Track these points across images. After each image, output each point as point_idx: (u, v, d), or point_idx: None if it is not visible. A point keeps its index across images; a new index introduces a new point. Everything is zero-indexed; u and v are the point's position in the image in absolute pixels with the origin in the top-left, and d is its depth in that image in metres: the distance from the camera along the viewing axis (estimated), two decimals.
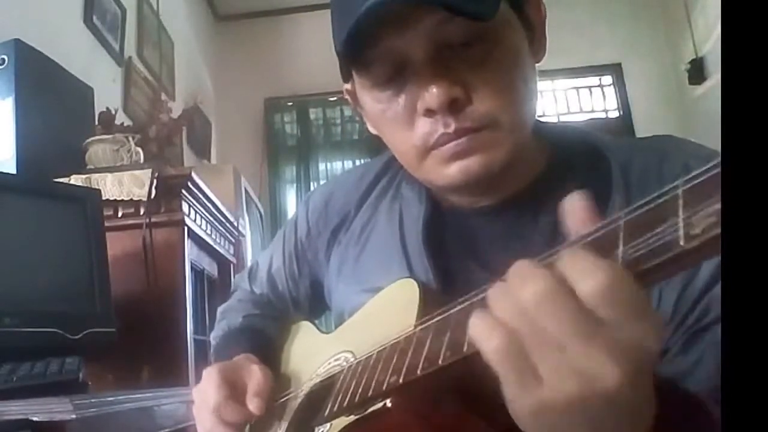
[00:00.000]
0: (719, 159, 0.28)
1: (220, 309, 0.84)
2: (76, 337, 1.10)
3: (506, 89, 0.54)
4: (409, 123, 0.55)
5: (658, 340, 0.32)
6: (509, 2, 0.54)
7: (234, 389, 0.60)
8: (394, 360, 0.45)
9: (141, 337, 1.33)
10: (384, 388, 0.44)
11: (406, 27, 0.51)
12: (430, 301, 0.49)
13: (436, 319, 0.43)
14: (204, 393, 0.61)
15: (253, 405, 0.59)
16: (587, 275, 0.31)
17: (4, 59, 1.40)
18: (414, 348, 0.43)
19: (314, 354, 0.65)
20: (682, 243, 0.28)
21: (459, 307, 0.41)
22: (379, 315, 0.57)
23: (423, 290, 0.52)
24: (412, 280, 0.54)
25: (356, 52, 0.53)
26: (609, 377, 0.31)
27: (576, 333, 0.31)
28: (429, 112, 0.53)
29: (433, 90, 0.51)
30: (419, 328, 0.45)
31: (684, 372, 0.49)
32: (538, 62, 0.59)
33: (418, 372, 0.41)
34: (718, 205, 0.27)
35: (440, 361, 0.40)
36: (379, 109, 0.58)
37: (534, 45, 0.58)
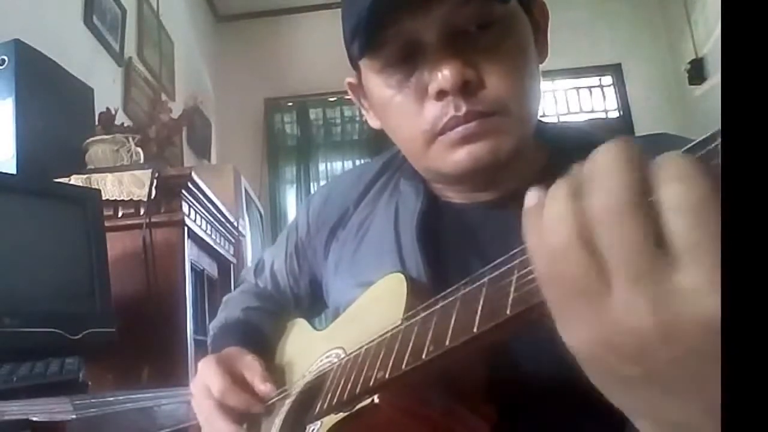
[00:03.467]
0: (693, 143, 0.27)
1: (224, 298, 0.86)
2: (76, 337, 1.10)
3: (517, 78, 0.54)
4: (418, 107, 0.55)
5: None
6: (518, 0, 0.56)
7: (234, 376, 0.61)
8: (381, 356, 0.45)
9: (141, 337, 1.33)
10: (371, 384, 0.45)
11: (420, 10, 0.51)
12: (418, 295, 0.49)
13: (422, 315, 0.44)
14: (205, 381, 0.61)
15: (265, 388, 0.60)
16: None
17: (4, 59, 1.40)
18: (399, 343, 0.44)
19: (307, 352, 0.66)
20: None
21: (443, 303, 0.42)
22: (368, 310, 0.58)
23: (411, 284, 0.52)
24: (400, 275, 0.54)
25: (370, 33, 0.53)
26: (705, 302, 0.23)
27: (677, 231, 0.24)
28: (441, 94, 0.53)
29: (446, 71, 0.51)
30: (405, 323, 0.45)
31: None
32: (541, 63, 0.60)
33: (404, 367, 0.41)
34: None
35: (424, 356, 0.40)
36: (387, 95, 0.57)
37: (538, 46, 0.59)
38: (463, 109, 0.52)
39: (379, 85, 0.58)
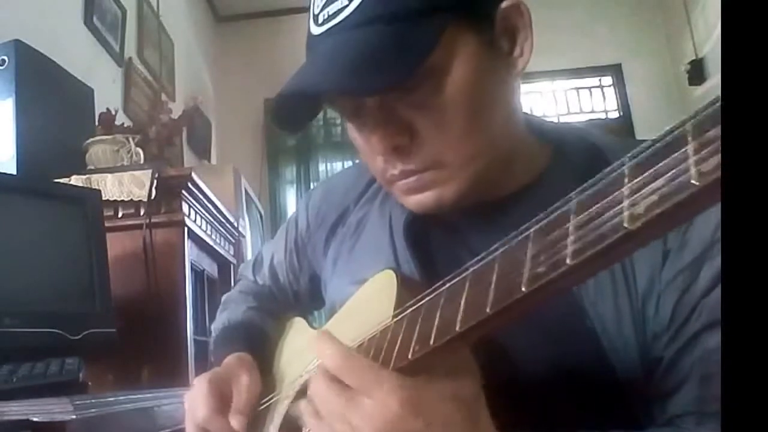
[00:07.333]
0: (657, 137, 0.28)
1: (223, 297, 0.86)
2: (76, 337, 1.10)
3: (454, 126, 0.53)
4: (373, 156, 0.58)
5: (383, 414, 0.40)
6: (466, 21, 0.52)
7: (222, 400, 0.61)
8: (370, 356, 0.46)
9: (141, 337, 1.33)
10: None
11: None
12: (409, 292, 0.49)
13: (407, 312, 0.45)
14: (193, 404, 0.62)
15: (234, 421, 0.61)
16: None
17: (4, 59, 1.40)
18: (388, 342, 0.45)
19: (305, 351, 0.66)
20: (626, 225, 0.28)
21: (429, 301, 0.43)
22: (360, 308, 0.58)
23: (401, 281, 0.52)
24: (390, 272, 0.55)
25: (305, 106, 0.58)
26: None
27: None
28: (378, 154, 0.56)
29: (376, 137, 0.54)
30: (394, 321, 0.46)
31: (666, 394, 0.50)
32: (520, 67, 0.56)
33: (391, 366, 0.42)
34: (659, 183, 0.27)
35: (410, 356, 0.41)
36: (351, 135, 0.61)
37: (513, 53, 0.56)
38: (399, 168, 0.56)
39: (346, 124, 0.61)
